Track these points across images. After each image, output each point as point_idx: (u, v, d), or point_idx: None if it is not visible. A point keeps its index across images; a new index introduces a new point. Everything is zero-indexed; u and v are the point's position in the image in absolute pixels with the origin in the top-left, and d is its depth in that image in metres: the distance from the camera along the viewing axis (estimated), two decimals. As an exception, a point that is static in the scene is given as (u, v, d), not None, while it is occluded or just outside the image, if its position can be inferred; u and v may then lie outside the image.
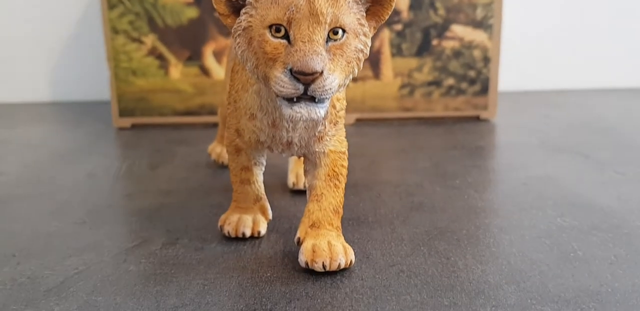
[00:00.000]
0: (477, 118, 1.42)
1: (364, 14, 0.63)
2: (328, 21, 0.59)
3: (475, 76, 1.39)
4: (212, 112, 1.36)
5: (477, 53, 1.37)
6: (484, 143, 1.24)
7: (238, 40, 0.62)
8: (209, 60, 1.34)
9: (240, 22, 0.62)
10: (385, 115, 1.40)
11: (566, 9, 1.71)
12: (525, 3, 1.70)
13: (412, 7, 1.34)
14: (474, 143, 1.24)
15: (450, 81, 1.39)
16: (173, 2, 1.31)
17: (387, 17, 0.64)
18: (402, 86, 1.39)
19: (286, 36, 0.60)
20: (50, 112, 1.54)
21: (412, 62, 1.38)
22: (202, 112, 1.36)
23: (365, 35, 0.63)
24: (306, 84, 0.58)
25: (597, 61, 1.74)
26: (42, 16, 1.60)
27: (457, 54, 1.38)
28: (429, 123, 1.39)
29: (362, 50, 0.63)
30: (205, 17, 1.32)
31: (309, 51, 0.58)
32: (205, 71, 1.35)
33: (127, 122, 1.36)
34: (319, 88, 0.59)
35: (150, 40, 1.32)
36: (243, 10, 0.62)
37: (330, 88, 0.59)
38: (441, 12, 1.35)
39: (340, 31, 0.60)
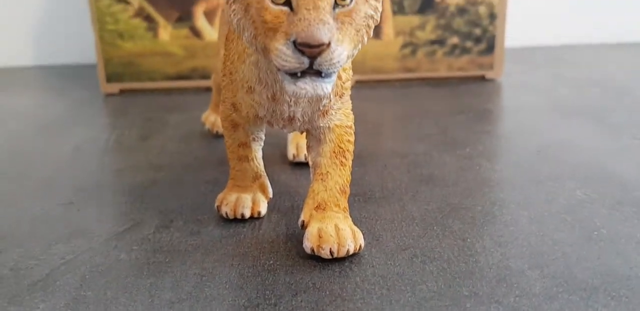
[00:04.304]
0: (482, 78, 1.36)
1: (374, -25, 0.56)
2: (335, -15, 0.52)
3: (480, 34, 1.31)
4: (205, 76, 1.29)
5: (482, 9, 1.30)
6: (492, 106, 1.18)
7: (233, 6, 0.55)
8: (201, 21, 1.26)
9: (235, -14, 0.55)
10: (387, 76, 1.33)
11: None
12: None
13: (414, -39, 1.26)
14: (481, 106, 1.17)
15: (454, 40, 1.32)
16: (159, -42, 1.22)
17: (399, -22, 0.57)
18: (404, 45, 1.32)
19: (288, 3, 0.53)
20: (33, 77, 1.47)
21: (415, 20, 1.30)
22: (194, 75, 1.29)
23: (375, -1, 0.56)
24: (312, 57, 0.52)
25: (605, 15, 1.67)
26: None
27: (461, 10, 1.30)
28: (433, 84, 1.32)
29: (372, 16, 0.56)
30: (194, -25, 1.24)
31: (314, 20, 0.51)
32: (196, 32, 1.27)
33: (115, 87, 1.29)
34: (326, 61, 0.52)
35: (136, 0, 1.24)
36: (238, -27, 0.55)
37: (339, 62, 0.53)
38: (445, -34, 1.27)
39: (348, -4, 0.53)
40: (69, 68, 1.52)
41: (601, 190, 0.79)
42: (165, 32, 1.26)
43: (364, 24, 0.55)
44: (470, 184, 0.82)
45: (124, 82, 1.29)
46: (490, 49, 1.32)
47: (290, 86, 0.54)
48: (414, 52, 1.32)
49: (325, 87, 0.54)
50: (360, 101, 1.20)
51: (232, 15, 0.56)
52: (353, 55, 0.57)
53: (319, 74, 0.53)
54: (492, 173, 0.86)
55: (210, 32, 1.26)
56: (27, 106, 1.23)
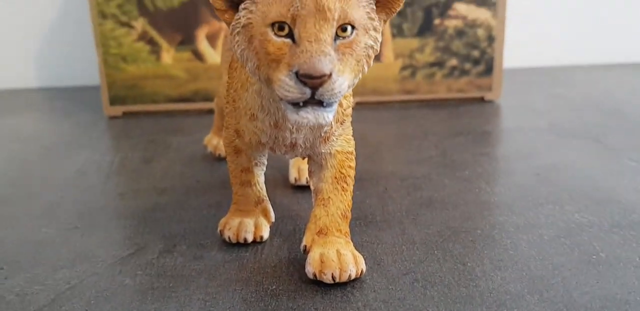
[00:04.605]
0: (481, 100, 1.37)
1: (374, 7, 0.58)
2: (336, 17, 0.53)
3: (479, 56, 1.33)
4: (207, 98, 1.30)
5: (481, 32, 1.32)
6: (491, 127, 1.19)
7: (237, 38, 0.57)
8: (203, 44, 1.28)
9: (239, 18, 0.56)
10: (386, 98, 1.35)
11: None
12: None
13: (413, -15, 1.28)
14: (480, 127, 1.19)
15: (453, 62, 1.33)
16: (162, -17, 1.24)
17: (398, 9, 0.59)
18: (404, 68, 1.33)
19: (290, 35, 0.54)
20: (38, 99, 1.48)
21: (414, 43, 1.32)
22: (196, 98, 1.31)
23: (375, 30, 0.57)
24: (313, 88, 0.53)
25: (602, 35, 1.69)
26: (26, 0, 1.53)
27: (460, 33, 1.32)
28: (432, 106, 1.33)
29: (372, 47, 0.58)
30: (197, -1, 1.26)
31: (316, 52, 0.52)
32: (198, 56, 1.29)
33: (118, 110, 1.30)
34: (328, 92, 0.53)
35: (140, 24, 1.26)
36: (242, 6, 0.57)
37: (340, 91, 0.54)
38: (444, -11, 1.29)
39: (349, 28, 0.55)
40: (72, 90, 1.54)
41: (599, 214, 0.80)
42: (168, 55, 1.28)
43: (364, 54, 0.57)
44: (470, 207, 0.83)
45: (127, 105, 1.30)
46: (488, 70, 1.34)
47: (292, 115, 0.55)
48: (413, 74, 1.33)
49: (327, 116, 0.55)
50: (360, 123, 1.21)
51: (235, 46, 0.57)
52: (354, 84, 0.58)
53: (320, 103, 0.54)
54: (491, 196, 0.87)
55: (213, 55, 1.28)
56: (31, 128, 1.24)
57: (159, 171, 0.99)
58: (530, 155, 1.02)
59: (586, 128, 1.15)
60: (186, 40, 1.28)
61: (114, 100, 1.29)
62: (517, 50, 1.62)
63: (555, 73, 1.61)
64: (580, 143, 1.07)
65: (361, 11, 0.56)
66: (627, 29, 1.69)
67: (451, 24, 1.31)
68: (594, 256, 0.70)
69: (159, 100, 1.30)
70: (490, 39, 1.32)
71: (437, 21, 1.31)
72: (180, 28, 1.27)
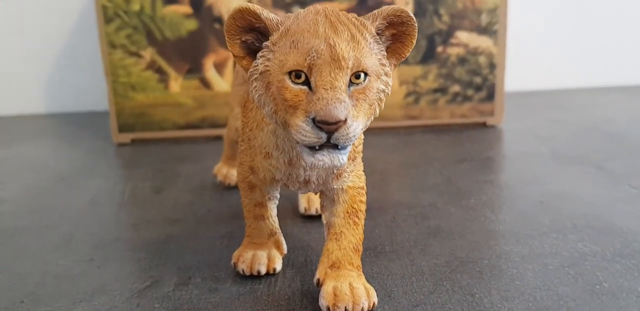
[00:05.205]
0: (483, 125, 1.40)
1: (385, 53, 0.60)
2: (350, 66, 0.56)
3: (481, 82, 1.36)
4: (214, 125, 1.33)
5: (482, 59, 1.34)
6: (494, 153, 1.21)
7: (255, 84, 0.59)
8: (210, 73, 1.30)
9: (257, 65, 0.59)
10: (391, 123, 1.37)
11: (568, 6, 1.69)
12: (526, 4, 1.67)
13: (416, 14, 1.31)
14: (483, 153, 1.21)
15: (455, 88, 1.36)
16: (172, 14, 1.27)
17: (408, 54, 0.62)
18: (408, 94, 1.36)
19: (307, 82, 0.57)
20: (47, 125, 1.50)
21: (417, 70, 1.35)
22: (203, 125, 1.33)
23: (386, 74, 0.60)
24: (329, 133, 0.55)
25: (600, 59, 1.72)
26: (36, 28, 1.56)
27: (462, 60, 1.35)
28: (436, 131, 1.36)
29: (383, 91, 0.60)
30: (204, 29, 1.29)
31: (331, 99, 0.55)
32: (206, 83, 1.31)
33: (126, 137, 1.33)
34: (343, 136, 0.56)
35: (149, 53, 1.29)
36: (260, 53, 0.59)
37: (354, 135, 0.56)
38: (445, 18, 1.32)
39: (362, 75, 0.57)
40: (81, 116, 1.56)
41: (602, 242, 0.82)
42: (176, 83, 1.31)
43: (376, 98, 0.59)
44: (476, 236, 0.85)
45: (136, 132, 1.32)
46: (490, 96, 1.36)
47: (309, 158, 0.57)
48: (417, 100, 1.36)
49: (342, 158, 0.58)
50: (366, 149, 1.22)
51: (253, 91, 0.60)
52: (366, 126, 0.61)
53: (335, 146, 0.57)
54: (496, 224, 0.89)
55: (220, 83, 1.31)
56: (42, 156, 1.26)
57: (169, 201, 1.01)
58: (533, 181, 1.05)
59: (587, 154, 1.18)
60: (194, 69, 1.31)
61: (122, 128, 1.32)
62: (518, 73, 1.65)
63: (555, 96, 1.64)
64: (581, 169, 1.10)
65: (373, 58, 0.58)
66: (625, 52, 1.72)
67: (453, 51, 1.34)
68: (598, 286, 0.72)
69: (167, 127, 1.33)
70: (492, 66, 1.35)
71: (439, 49, 1.34)
72: (188, 57, 1.30)
